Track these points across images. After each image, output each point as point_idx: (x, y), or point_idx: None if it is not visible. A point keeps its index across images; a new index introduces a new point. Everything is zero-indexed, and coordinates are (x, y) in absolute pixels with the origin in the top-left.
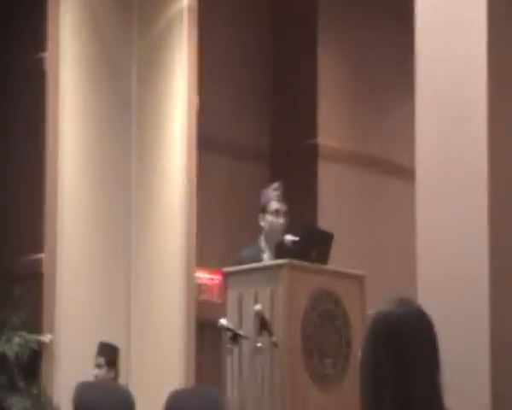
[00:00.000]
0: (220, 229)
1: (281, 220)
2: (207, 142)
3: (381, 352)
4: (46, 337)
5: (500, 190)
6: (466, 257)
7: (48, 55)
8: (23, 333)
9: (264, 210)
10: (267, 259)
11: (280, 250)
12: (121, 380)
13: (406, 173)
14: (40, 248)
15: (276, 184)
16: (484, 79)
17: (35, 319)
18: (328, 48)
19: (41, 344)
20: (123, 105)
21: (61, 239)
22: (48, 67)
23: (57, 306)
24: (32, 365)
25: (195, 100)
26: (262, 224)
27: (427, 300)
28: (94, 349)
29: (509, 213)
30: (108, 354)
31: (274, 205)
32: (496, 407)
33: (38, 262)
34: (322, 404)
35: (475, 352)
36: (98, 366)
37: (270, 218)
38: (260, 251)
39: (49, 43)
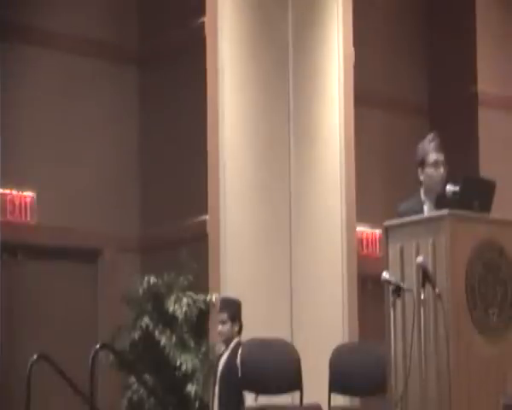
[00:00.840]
0: (379, 183)
1: (440, 171)
2: (364, 96)
3: None
4: (213, 297)
5: None
6: None
7: (206, 20)
8: (191, 293)
9: (422, 163)
10: (428, 210)
11: (441, 201)
12: (286, 338)
13: None
14: (204, 211)
15: (431, 135)
16: None
17: (201, 280)
18: None
19: (208, 304)
20: (281, 65)
21: (223, 200)
22: (206, 32)
23: (222, 266)
24: (199, 324)
25: (352, 55)
26: (421, 178)
27: None
28: (258, 307)
29: None
30: (231, 309)
31: (432, 156)
32: None
33: (203, 224)
34: (488, 354)
35: None
36: (221, 321)
37: (429, 170)
38: (421, 203)
39: (208, 9)
